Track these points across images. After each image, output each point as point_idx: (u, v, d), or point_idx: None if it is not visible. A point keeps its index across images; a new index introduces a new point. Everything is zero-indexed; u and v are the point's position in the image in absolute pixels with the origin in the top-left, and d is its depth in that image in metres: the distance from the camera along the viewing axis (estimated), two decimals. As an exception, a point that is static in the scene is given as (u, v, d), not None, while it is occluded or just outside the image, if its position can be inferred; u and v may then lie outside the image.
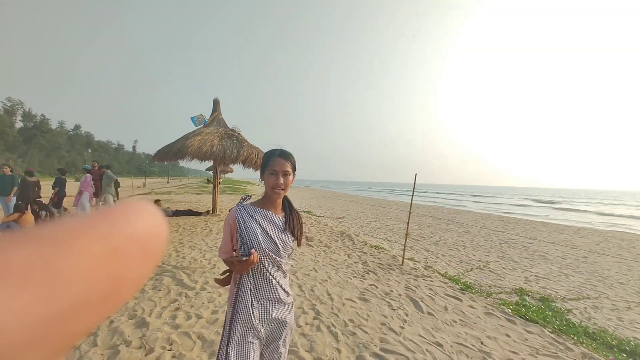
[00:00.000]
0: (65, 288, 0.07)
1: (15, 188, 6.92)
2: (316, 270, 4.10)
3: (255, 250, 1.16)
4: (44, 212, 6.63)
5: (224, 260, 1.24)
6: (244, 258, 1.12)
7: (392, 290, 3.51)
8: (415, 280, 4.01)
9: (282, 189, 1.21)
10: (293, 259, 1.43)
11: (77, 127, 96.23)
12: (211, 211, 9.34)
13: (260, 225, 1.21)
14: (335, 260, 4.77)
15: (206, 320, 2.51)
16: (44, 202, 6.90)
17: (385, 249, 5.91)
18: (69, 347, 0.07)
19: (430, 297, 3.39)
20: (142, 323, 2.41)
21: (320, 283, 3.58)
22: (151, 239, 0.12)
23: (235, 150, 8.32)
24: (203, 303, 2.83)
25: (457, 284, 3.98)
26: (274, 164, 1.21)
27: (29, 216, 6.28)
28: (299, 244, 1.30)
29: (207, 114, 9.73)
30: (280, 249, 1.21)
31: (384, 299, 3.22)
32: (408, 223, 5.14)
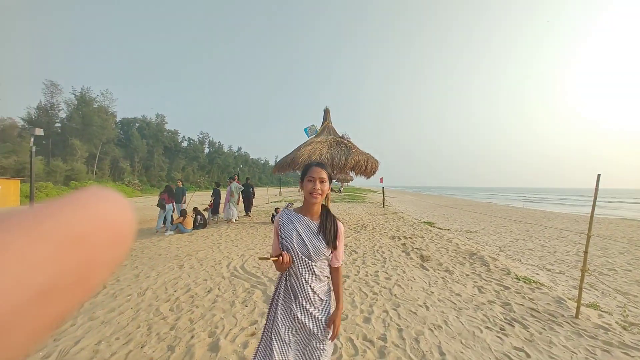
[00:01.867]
0: (31, 275, 0.07)
1: (185, 197, 9.16)
2: (427, 308, 3.08)
3: (290, 253, 1.28)
4: (199, 217, 8.38)
5: (271, 258, 1.32)
6: (272, 258, 1.26)
7: (559, 368, 2.12)
8: (608, 351, 2.35)
9: (320, 194, 1.30)
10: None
11: (239, 149, 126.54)
12: (323, 219, 9.47)
13: (296, 229, 1.31)
14: (458, 295, 3.53)
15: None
16: (199, 208, 8.76)
17: (542, 284, 4.07)
18: (43, 334, 0.08)
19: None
20: (215, 346, 2.25)
21: (431, 330, 2.58)
22: (118, 224, 0.12)
23: (343, 157, 8.10)
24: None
25: None
26: (312, 171, 1.32)
27: (188, 219, 8.03)
28: (333, 248, 1.34)
29: (318, 124, 10.07)
30: (312, 253, 1.29)
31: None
32: (586, 252, 3.23)
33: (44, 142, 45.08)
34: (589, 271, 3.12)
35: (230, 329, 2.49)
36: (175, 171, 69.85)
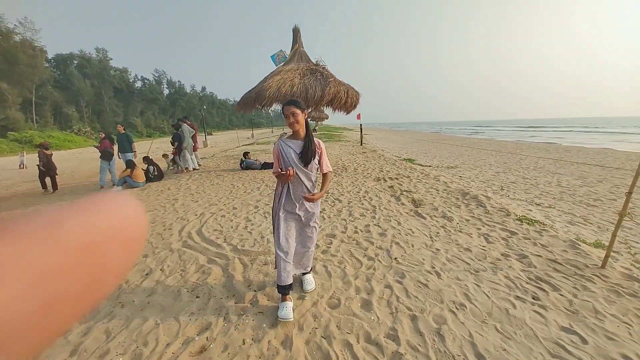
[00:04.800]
0: (41, 284, 0.08)
1: (133, 145, 7.60)
2: (439, 274, 2.41)
3: (292, 166, 1.88)
4: (152, 167, 7.07)
5: (275, 174, 1.95)
6: (283, 172, 1.83)
7: (620, 336, 1.56)
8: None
9: (296, 123, 1.87)
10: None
11: (203, 88, 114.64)
12: (300, 162, 8.52)
13: (292, 149, 1.92)
14: (468, 250, 2.92)
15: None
16: (151, 157, 7.37)
17: (544, 225, 3.60)
18: (49, 341, 0.08)
19: None
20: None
21: (453, 313, 1.91)
22: (130, 232, 0.12)
23: (319, 88, 6.76)
24: (244, 342, 1.67)
25: None
26: (285, 110, 1.88)
27: (139, 171, 6.71)
28: (312, 157, 1.92)
29: (287, 49, 8.30)
30: (309, 162, 1.93)
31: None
32: (630, 192, 2.56)
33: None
34: (629, 215, 2.49)
35: (168, 344, 1.65)
36: (133, 116, 62.81)
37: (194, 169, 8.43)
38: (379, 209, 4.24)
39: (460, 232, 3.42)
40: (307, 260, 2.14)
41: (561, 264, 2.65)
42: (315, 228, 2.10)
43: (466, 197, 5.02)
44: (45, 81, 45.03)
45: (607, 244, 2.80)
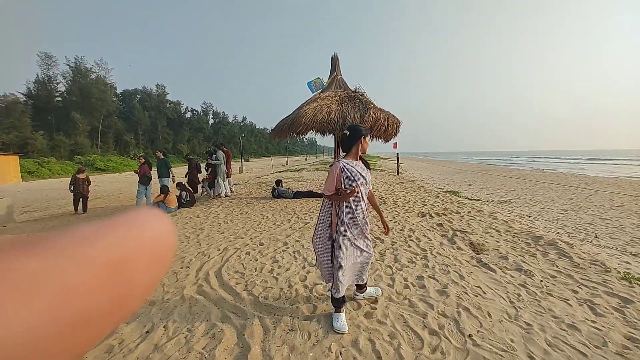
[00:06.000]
0: (72, 300, 0.08)
1: (171, 170, 7.72)
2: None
3: (356, 184, 2.01)
4: (184, 193, 7.01)
5: (329, 196, 2.06)
6: (349, 191, 1.97)
7: None
8: None
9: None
10: None
11: (244, 118, 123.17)
12: (334, 192, 8.00)
13: (355, 169, 2.06)
14: (574, 328, 2.05)
15: None
16: (183, 183, 7.36)
17: None
18: (78, 356, 0.08)
19: None
20: None
21: None
22: (159, 249, 0.12)
23: (358, 114, 6.37)
24: None
25: None
26: (364, 136, 2.14)
27: (172, 197, 6.66)
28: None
29: (325, 77, 8.20)
30: (368, 181, 2.13)
31: None
32: None
33: (49, 117, 43.74)
34: None
35: None
36: (180, 143, 68.54)
37: (226, 195, 8.31)
38: (431, 253, 3.47)
39: (551, 295, 2.54)
40: (365, 270, 2.27)
41: None
42: (370, 259, 2.24)
43: (540, 243, 4.05)
44: (112, 112, 51.29)
45: None
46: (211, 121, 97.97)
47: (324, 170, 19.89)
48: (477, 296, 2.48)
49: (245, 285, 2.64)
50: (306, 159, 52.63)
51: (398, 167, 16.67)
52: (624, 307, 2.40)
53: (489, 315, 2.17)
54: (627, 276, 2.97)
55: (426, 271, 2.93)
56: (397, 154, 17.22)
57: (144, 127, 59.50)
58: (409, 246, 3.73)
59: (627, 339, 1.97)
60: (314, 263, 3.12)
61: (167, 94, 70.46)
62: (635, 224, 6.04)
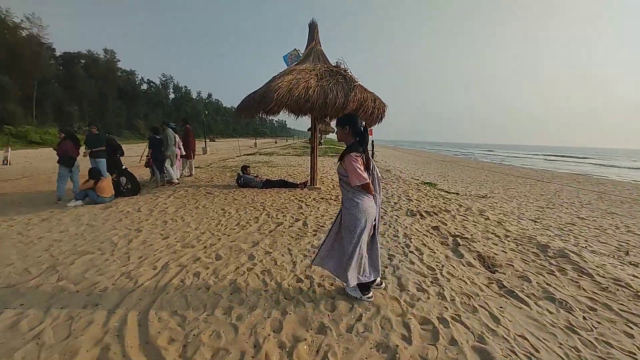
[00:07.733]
0: None
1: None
2: None
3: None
4: (123, 179, 5.60)
5: (363, 185, 2.08)
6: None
7: None
8: None
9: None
10: None
11: (209, 95, 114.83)
12: (309, 182, 7.04)
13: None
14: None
15: None
16: (125, 166, 5.91)
17: None
18: None
19: None
20: None
21: None
22: None
23: (342, 94, 5.39)
24: None
25: None
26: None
27: (105, 183, 5.23)
28: None
29: (302, 48, 7.02)
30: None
31: None
32: None
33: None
34: None
35: None
36: (136, 118, 61.93)
37: (171, 183, 6.97)
38: (441, 274, 2.72)
39: (610, 345, 1.90)
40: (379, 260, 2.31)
41: None
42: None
43: (549, 254, 3.53)
44: (49, 78, 44.26)
45: None
46: (172, 96, 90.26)
47: (295, 156, 18.75)
48: (524, 351, 1.75)
49: (184, 349, 1.63)
50: (276, 142, 50.60)
51: (373, 155, 16.13)
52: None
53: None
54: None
55: (446, 308, 2.14)
56: (372, 141, 16.62)
57: (90, 97, 52.51)
58: (412, 262, 2.94)
59: None
60: (292, 294, 2.19)
61: (118, 61, 62.57)
62: (613, 225, 5.97)
